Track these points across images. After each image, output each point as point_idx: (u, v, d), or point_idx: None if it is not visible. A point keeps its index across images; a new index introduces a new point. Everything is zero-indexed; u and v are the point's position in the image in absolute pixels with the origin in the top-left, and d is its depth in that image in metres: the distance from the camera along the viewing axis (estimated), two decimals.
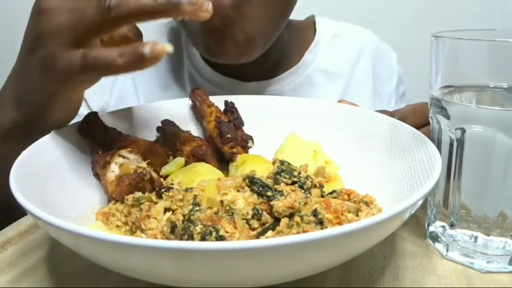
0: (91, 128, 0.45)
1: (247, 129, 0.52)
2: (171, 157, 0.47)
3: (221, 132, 0.47)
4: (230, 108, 0.52)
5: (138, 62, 0.35)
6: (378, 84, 0.79)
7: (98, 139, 0.44)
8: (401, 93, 0.82)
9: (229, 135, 0.47)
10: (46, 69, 0.39)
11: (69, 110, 0.45)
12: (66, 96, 0.42)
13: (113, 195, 0.40)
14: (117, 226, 0.37)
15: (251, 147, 0.48)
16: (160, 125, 0.51)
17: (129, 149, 0.43)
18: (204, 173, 0.42)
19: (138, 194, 0.38)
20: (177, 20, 0.64)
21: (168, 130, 0.50)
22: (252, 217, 0.33)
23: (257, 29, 0.58)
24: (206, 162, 0.45)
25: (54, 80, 0.40)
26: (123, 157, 0.42)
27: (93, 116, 0.45)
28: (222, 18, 0.54)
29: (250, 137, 0.48)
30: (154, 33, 0.76)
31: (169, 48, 0.35)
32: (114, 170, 0.40)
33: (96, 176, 0.43)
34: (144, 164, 0.40)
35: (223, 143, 0.47)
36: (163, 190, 0.37)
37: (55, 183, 0.39)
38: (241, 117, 0.52)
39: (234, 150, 0.46)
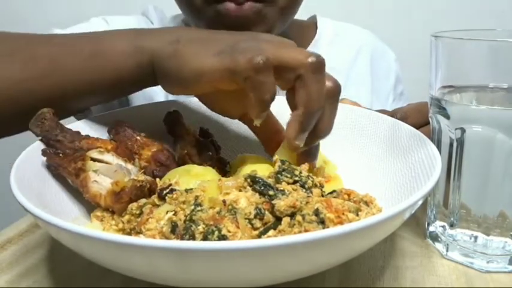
0: (44, 125, 0.41)
1: (247, 129, 0.52)
2: (136, 160, 0.43)
3: (201, 149, 0.46)
4: (206, 132, 0.50)
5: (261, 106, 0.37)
6: (375, 81, 0.80)
7: (53, 138, 0.40)
8: (400, 93, 0.83)
9: (210, 153, 0.46)
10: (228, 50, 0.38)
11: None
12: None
13: (110, 210, 0.38)
14: (115, 225, 0.37)
15: (228, 172, 0.46)
16: (119, 126, 0.46)
17: (100, 149, 0.39)
18: (202, 175, 0.42)
19: (143, 200, 0.37)
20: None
21: (123, 132, 0.46)
22: (255, 216, 0.33)
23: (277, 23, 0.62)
24: (169, 167, 0.43)
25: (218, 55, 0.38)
26: (98, 160, 0.38)
27: (47, 112, 0.41)
28: (243, 22, 0.56)
29: (228, 162, 0.47)
30: (169, 23, 0.77)
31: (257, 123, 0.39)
32: (97, 180, 0.37)
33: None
34: (141, 177, 0.38)
35: (203, 160, 0.45)
36: (166, 192, 0.36)
37: (55, 183, 0.39)
38: (217, 142, 0.50)
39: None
